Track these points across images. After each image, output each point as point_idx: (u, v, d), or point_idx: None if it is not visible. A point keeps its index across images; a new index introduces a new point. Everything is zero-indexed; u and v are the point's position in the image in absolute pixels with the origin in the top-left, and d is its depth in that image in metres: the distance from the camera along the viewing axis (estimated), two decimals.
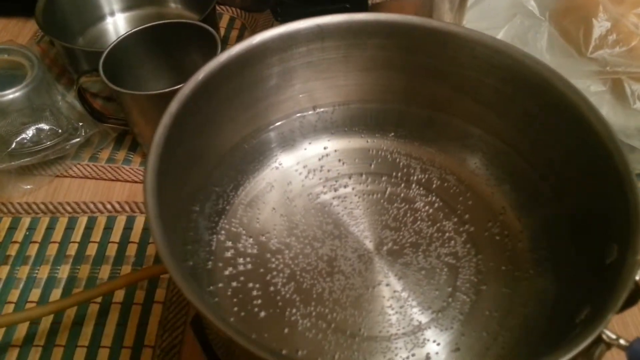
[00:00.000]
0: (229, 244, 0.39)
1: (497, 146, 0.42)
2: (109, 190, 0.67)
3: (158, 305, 0.57)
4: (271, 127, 0.43)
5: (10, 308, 0.57)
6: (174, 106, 0.34)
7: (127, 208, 0.65)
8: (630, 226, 0.29)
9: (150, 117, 0.63)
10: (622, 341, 0.29)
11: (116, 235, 0.63)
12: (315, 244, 0.39)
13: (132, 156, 0.70)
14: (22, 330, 0.55)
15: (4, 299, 0.58)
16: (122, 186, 0.67)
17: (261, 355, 0.24)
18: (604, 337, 0.27)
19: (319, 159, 0.44)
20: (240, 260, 0.39)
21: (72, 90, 0.73)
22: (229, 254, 0.39)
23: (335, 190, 0.42)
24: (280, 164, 0.43)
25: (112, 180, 0.68)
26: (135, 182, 0.67)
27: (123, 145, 0.71)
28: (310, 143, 0.45)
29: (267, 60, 0.40)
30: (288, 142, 0.44)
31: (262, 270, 0.38)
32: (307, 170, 0.43)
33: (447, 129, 0.44)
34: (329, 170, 0.44)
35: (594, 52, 0.61)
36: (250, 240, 0.39)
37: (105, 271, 0.60)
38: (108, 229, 0.63)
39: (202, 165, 0.39)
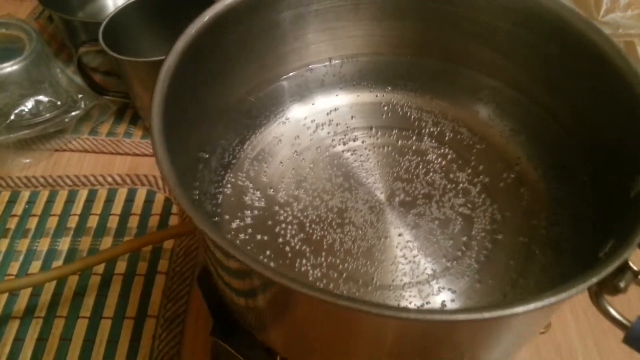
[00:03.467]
0: (236, 197, 0.38)
1: (512, 96, 0.41)
2: (109, 163, 0.66)
3: (161, 276, 0.56)
4: (278, 80, 0.42)
5: None
6: (179, 45, 0.32)
7: (128, 181, 0.63)
8: None
9: (150, 86, 0.62)
10: None
11: (117, 207, 0.61)
12: (325, 196, 0.38)
13: (132, 129, 0.69)
14: (22, 302, 0.54)
15: (4, 271, 0.57)
16: (122, 159, 0.66)
17: (278, 280, 0.22)
18: (631, 265, 0.26)
19: (327, 114, 0.43)
20: (248, 212, 0.37)
21: (71, 65, 0.72)
22: (236, 207, 0.37)
23: (345, 143, 0.41)
24: (287, 119, 0.42)
25: (113, 153, 0.66)
26: (137, 154, 0.66)
27: (123, 119, 0.70)
28: (318, 97, 0.43)
29: (275, 5, 0.38)
30: (295, 96, 0.43)
31: (270, 222, 0.37)
32: (316, 124, 0.42)
33: (460, 81, 0.43)
34: (337, 124, 0.42)
35: (605, 15, 0.60)
36: (258, 193, 0.38)
37: (106, 243, 0.58)
38: (109, 201, 0.62)
39: (207, 117, 0.38)
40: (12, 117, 0.62)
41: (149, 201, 0.62)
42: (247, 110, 0.41)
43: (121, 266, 0.56)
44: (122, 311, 0.53)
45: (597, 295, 0.29)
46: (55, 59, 0.69)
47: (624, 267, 0.26)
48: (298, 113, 0.42)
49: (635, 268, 0.26)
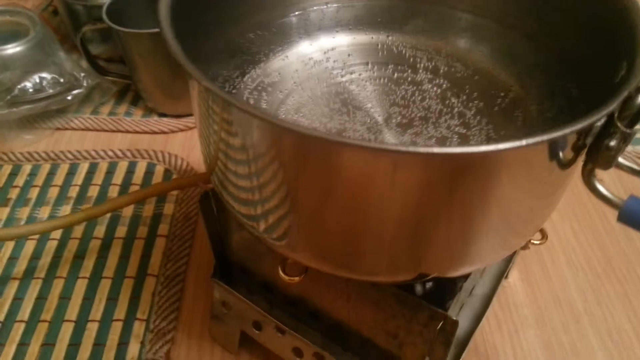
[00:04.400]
0: None
1: (503, 32, 0.42)
2: (110, 140, 0.67)
3: (161, 238, 0.56)
4: (277, 20, 0.44)
5: (10, 246, 0.56)
6: None
7: (128, 154, 0.64)
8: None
9: (152, 61, 0.63)
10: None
11: (118, 178, 0.62)
12: (324, 119, 0.39)
13: (133, 110, 0.70)
14: (22, 264, 0.54)
15: None
16: (123, 136, 0.67)
17: (286, 125, 0.23)
18: (618, 124, 0.27)
19: (325, 52, 0.44)
20: None
21: (74, 54, 0.74)
22: None
23: (342, 76, 0.42)
24: (286, 56, 0.44)
25: (113, 131, 0.67)
26: (137, 132, 0.67)
27: (124, 100, 0.72)
28: (315, 38, 0.45)
29: None
30: (293, 37, 0.44)
31: None
32: (314, 61, 0.44)
33: (453, 22, 0.44)
34: (335, 61, 0.44)
35: None
36: None
37: None
38: (110, 173, 0.63)
39: (209, 45, 0.39)
40: (16, 91, 0.63)
41: (149, 172, 0.63)
42: (246, 46, 0.42)
43: (121, 231, 0.57)
44: (122, 271, 0.54)
45: (589, 174, 0.30)
46: (59, 43, 0.70)
47: (613, 127, 0.27)
48: (296, 52, 0.44)
49: (622, 127, 0.27)
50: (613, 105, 0.25)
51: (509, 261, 0.47)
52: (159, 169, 0.62)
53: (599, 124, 0.26)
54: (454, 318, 0.32)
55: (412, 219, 0.27)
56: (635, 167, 0.30)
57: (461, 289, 0.34)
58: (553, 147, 0.26)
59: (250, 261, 0.42)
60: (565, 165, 0.28)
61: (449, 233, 0.28)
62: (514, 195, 0.28)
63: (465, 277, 0.35)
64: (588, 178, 0.29)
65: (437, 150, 0.23)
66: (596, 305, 0.51)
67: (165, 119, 0.67)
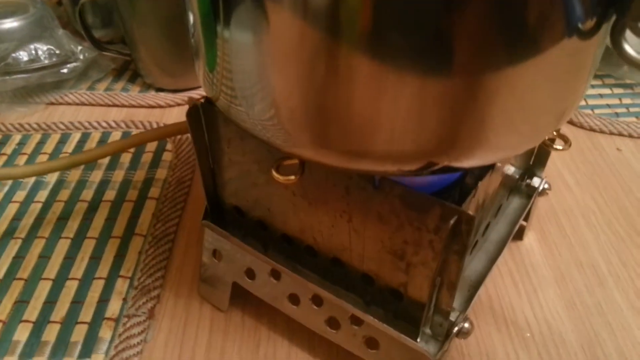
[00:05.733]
0: None
1: None
2: (104, 114, 0.64)
3: (152, 201, 0.53)
4: None
5: None
6: None
7: (122, 125, 0.62)
8: None
9: (150, 31, 0.62)
10: None
11: None
12: None
13: (130, 86, 0.68)
14: (2, 225, 0.51)
15: None
16: (118, 110, 0.65)
17: None
18: None
19: None
20: None
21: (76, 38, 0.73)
22: None
23: None
24: None
25: (109, 105, 0.65)
26: (133, 106, 0.65)
27: (122, 77, 0.70)
28: None
29: None
30: None
31: None
32: None
33: None
34: None
35: None
36: None
37: (96, 175, 0.56)
38: (102, 142, 0.60)
39: None
40: (9, 60, 0.61)
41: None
42: None
43: (110, 194, 0.54)
44: (107, 232, 0.50)
45: (619, 34, 0.26)
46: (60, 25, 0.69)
47: None
48: None
49: None
50: None
51: (524, 208, 0.43)
52: None
53: None
54: (470, 213, 0.28)
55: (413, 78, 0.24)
56: None
57: (477, 189, 0.31)
58: None
59: (242, 191, 0.39)
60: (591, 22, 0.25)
61: (456, 93, 0.25)
62: (532, 50, 0.24)
63: (481, 175, 0.31)
64: (617, 39, 0.26)
65: None
66: (622, 267, 0.47)
67: (162, 94, 0.65)
